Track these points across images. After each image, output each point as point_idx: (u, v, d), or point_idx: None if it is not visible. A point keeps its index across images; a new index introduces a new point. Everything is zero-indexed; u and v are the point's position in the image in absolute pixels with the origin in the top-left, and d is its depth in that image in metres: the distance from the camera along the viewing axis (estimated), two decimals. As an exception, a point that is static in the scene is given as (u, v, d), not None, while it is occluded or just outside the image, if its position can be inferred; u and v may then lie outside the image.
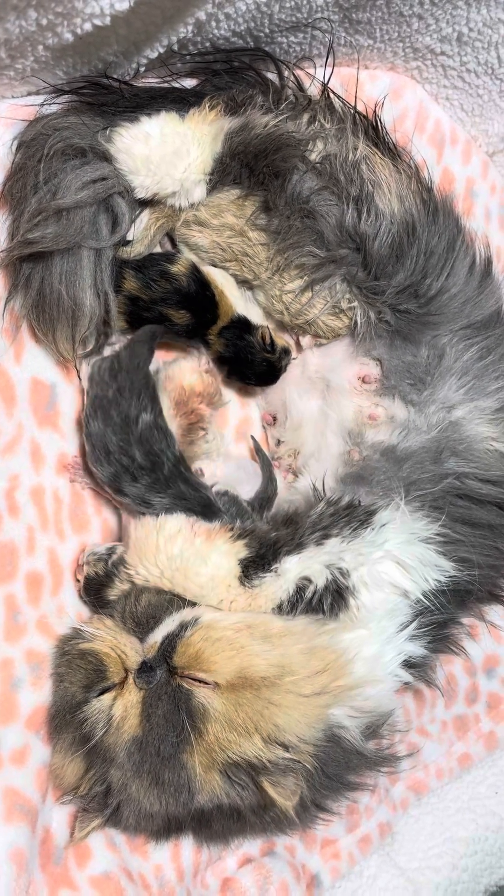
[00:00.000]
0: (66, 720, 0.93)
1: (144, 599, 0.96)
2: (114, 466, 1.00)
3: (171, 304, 1.09)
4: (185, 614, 0.94)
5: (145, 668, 0.90)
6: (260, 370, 1.16)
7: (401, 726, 1.11)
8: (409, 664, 1.04)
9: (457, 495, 1.05)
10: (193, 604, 0.97)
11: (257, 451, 1.20)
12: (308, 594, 0.97)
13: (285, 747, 0.89)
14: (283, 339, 1.17)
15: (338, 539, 0.98)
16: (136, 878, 1.02)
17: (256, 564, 0.97)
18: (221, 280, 1.13)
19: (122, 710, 0.90)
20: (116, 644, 0.92)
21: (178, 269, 1.09)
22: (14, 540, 1.01)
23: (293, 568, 0.97)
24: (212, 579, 0.97)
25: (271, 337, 1.14)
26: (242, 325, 1.14)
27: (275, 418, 1.23)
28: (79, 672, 0.93)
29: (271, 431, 1.25)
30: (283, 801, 0.89)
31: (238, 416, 1.26)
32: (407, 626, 1.01)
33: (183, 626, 0.92)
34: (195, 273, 1.10)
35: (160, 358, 1.18)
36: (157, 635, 0.92)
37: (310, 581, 0.97)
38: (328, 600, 0.97)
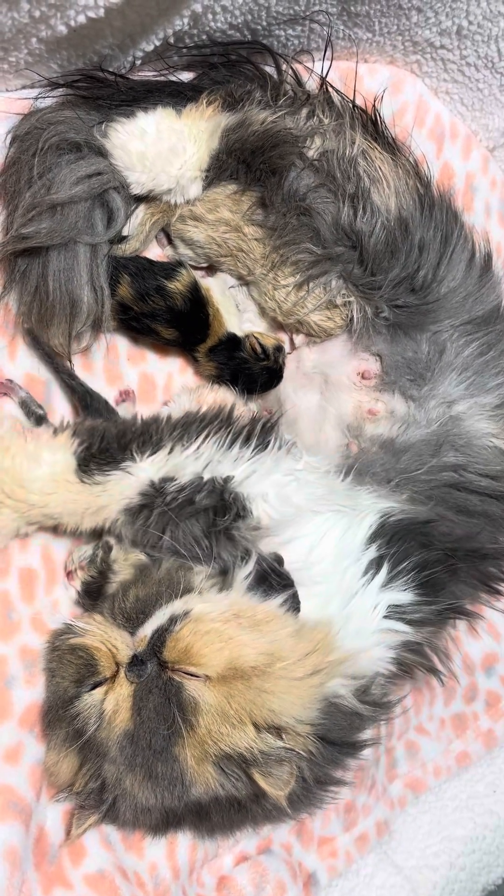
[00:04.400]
0: (58, 716, 0.93)
1: (132, 595, 0.95)
2: None
3: (162, 321, 1.08)
4: (176, 607, 0.92)
5: (136, 662, 0.89)
6: (263, 380, 1.15)
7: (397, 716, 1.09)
8: (406, 619, 1.00)
9: (454, 487, 1.04)
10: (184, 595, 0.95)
11: None
12: (171, 490, 0.93)
13: (281, 731, 0.88)
14: (271, 338, 1.15)
15: (227, 446, 0.96)
16: (130, 876, 1.02)
17: (99, 459, 0.94)
18: (219, 297, 1.12)
19: (113, 704, 0.89)
20: (106, 638, 0.91)
21: (175, 286, 1.07)
22: (8, 537, 1.00)
23: (148, 467, 0.94)
24: (52, 478, 0.93)
25: (260, 344, 1.12)
26: (230, 344, 1.13)
27: (271, 414, 1.22)
28: (70, 667, 0.92)
29: (267, 427, 1.24)
30: (275, 791, 0.88)
31: (234, 412, 1.25)
32: (372, 574, 0.98)
33: (172, 620, 0.90)
34: (193, 292, 1.08)
35: (159, 358, 1.18)
36: (147, 629, 0.91)
37: (172, 480, 0.94)
38: (206, 500, 0.93)
